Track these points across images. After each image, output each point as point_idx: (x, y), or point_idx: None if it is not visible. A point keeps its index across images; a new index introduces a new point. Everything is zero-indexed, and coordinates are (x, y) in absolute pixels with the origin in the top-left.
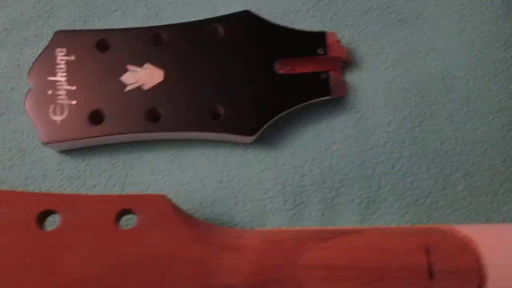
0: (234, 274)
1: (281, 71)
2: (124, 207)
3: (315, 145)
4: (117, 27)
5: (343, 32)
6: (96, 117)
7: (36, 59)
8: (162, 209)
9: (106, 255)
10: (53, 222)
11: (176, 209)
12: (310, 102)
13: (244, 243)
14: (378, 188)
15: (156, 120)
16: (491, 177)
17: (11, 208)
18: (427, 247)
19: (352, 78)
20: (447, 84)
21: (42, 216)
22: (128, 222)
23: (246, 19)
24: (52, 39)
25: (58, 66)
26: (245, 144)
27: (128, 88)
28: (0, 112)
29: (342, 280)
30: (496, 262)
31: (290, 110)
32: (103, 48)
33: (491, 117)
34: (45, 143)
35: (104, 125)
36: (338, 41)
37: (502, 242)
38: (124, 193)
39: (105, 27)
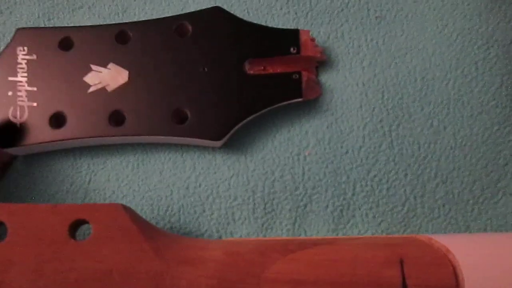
0: None
1: (251, 71)
2: (77, 218)
3: (287, 149)
4: (83, 24)
5: (318, 30)
6: (57, 120)
7: None
8: (118, 220)
9: (57, 269)
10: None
11: (136, 219)
12: (281, 104)
13: (206, 256)
14: (353, 195)
15: (120, 124)
16: (471, 183)
17: None
18: (402, 259)
19: (326, 78)
20: (426, 85)
21: None
22: (90, 232)
23: (216, 15)
24: (13, 37)
25: (19, 66)
26: (213, 149)
27: (91, 89)
28: None
29: None
30: (474, 275)
31: (261, 112)
32: (66, 47)
33: (472, 120)
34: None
35: (66, 128)
36: (312, 39)
37: (480, 253)
38: (87, 199)
39: (71, 24)
